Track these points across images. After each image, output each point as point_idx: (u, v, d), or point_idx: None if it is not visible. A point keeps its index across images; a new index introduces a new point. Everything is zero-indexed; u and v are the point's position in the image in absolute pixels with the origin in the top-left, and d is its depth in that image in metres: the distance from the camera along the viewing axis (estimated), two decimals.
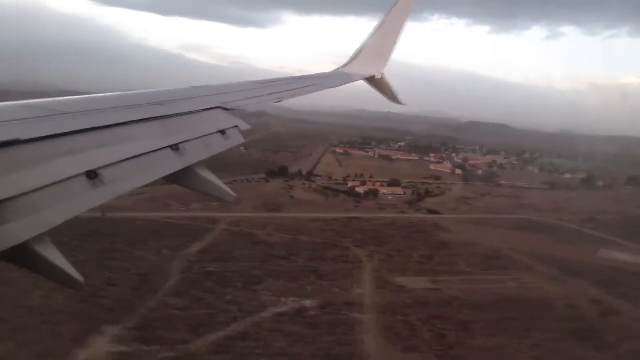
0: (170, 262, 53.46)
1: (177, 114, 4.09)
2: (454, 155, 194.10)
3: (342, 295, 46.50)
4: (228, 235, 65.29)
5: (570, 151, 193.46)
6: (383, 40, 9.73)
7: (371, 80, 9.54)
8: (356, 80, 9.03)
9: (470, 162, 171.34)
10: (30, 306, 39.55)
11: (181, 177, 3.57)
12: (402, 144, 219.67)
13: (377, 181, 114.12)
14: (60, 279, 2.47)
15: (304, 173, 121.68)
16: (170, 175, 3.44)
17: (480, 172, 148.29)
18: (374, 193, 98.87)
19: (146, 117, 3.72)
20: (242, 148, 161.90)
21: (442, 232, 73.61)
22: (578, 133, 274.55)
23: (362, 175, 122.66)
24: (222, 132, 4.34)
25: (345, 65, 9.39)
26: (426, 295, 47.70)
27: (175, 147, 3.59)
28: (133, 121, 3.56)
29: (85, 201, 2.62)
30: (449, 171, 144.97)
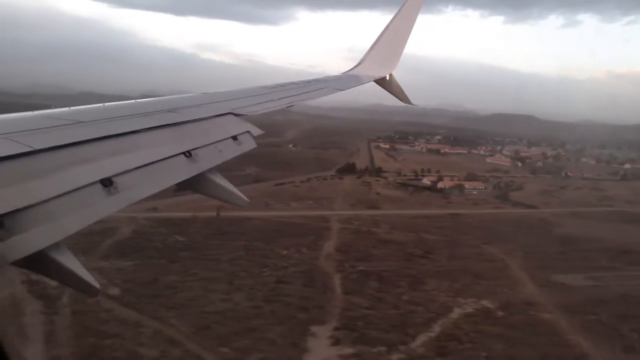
0: (316, 260, 53.70)
1: (189, 121, 4.17)
2: (498, 147, 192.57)
3: (513, 294, 46.33)
4: (350, 233, 65.20)
5: (616, 141, 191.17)
6: (392, 42, 9.77)
7: (381, 81, 9.58)
8: (366, 82, 9.07)
9: (521, 154, 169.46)
10: (220, 311, 39.90)
11: (195, 183, 3.63)
12: (439, 137, 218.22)
13: (451, 176, 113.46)
14: (78, 285, 2.50)
15: (371, 169, 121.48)
16: (184, 181, 3.49)
17: (539, 164, 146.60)
18: (458, 188, 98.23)
19: (159, 124, 3.79)
20: (290, 145, 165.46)
21: (554, 226, 73.16)
22: (601, 122, 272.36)
23: (429, 170, 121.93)
24: (234, 137, 4.39)
25: (355, 67, 9.44)
26: (594, 292, 47.42)
27: (188, 154, 3.64)
28: (146, 128, 3.62)
29: (100, 209, 2.68)
30: (507, 164, 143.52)
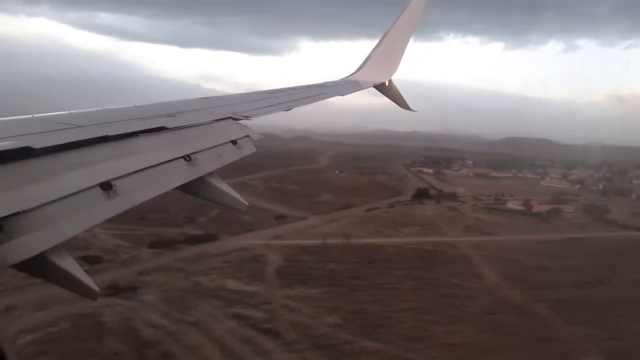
0: (497, 289, 51.58)
1: (188, 125, 4.17)
2: (540, 170, 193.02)
3: None
4: (495, 261, 62.96)
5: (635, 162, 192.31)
6: (391, 47, 9.72)
7: (380, 86, 9.51)
8: (365, 88, 8.98)
9: (570, 177, 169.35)
10: (464, 344, 37.65)
11: (194, 188, 3.60)
12: (470, 161, 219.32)
13: (533, 199, 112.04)
14: (78, 289, 2.49)
15: (444, 195, 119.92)
16: (184, 185, 3.47)
17: (600, 185, 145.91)
18: (555, 212, 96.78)
19: (158, 128, 3.78)
20: (337, 172, 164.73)
21: None
22: (612, 145, 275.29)
23: (502, 195, 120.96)
24: (234, 142, 4.38)
25: (354, 72, 9.30)
26: None
27: (187, 158, 3.64)
28: (146, 132, 3.60)
29: (99, 212, 2.65)
30: (565, 187, 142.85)
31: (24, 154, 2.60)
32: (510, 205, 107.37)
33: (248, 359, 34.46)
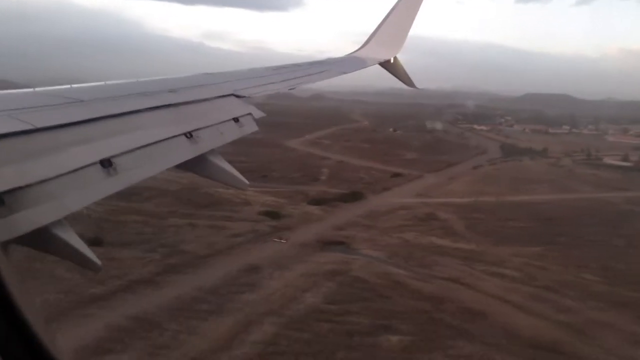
0: None
1: (190, 101, 4.14)
2: (589, 126, 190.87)
3: None
4: None
5: None
6: (397, 24, 9.63)
7: (385, 64, 9.42)
8: (370, 65, 8.95)
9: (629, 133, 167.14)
10: None
11: (195, 165, 3.59)
12: (508, 118, 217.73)
13: (619, 155, 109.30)
14: (81, 262, 2.54)
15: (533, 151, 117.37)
16: (185, 162, 3.45)
17: None
18: None
19: (160, 104, 3.76)
20: (390, 130, 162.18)
21: None
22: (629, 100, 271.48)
23: (582, 151, 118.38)
24: (236, 119, 4.36)
25: (359, 49, 9.25)
26: None
27: (189, 135, 3.60)
28: (147, 109, 3.58)
29: (99, 189, 2.68)
30: (636, 142, 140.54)
31: (26, 128, 2.56)
32: (609, 161, 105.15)
33: (554, 315, 32.71)
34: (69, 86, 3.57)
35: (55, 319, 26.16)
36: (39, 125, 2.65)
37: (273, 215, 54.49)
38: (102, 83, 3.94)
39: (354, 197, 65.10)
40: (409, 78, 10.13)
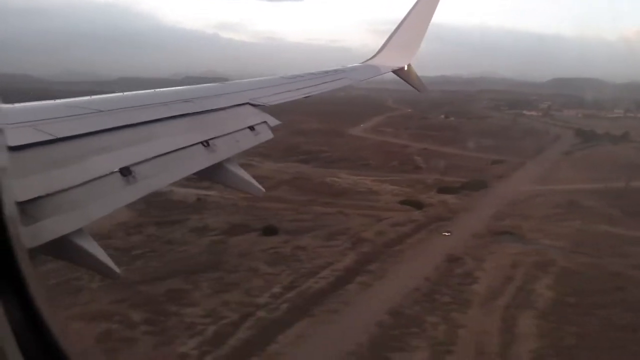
0: None
1: (207, 111, 4.27)
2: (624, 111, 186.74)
3: None
4: None
5: None
6: (410, 32, 9.72)
7: (399, 71, 9.51)
8: (384, 73, 9.19)
9: None
10: None
11: (212, 173, 3.71)
12: (549, 103, 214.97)
13: None
14: (100, 270, 2.60)
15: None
16: (202, 170, 3.56)
17: None
18: None
19: (177, 114, 3.86)
20: (442, 117, 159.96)
21: None
22: None
23: None
24: (252, 128, 4.47)
25: (373, 57, 9.46)
26: None
27: (206, 144, 3.69)
28: (165, 118, 3.68)
29: (119, 198, 2.72)
30: None
31: (47, 139, 2.61)
32: None
33: None
34: (88, 97, 3.60)
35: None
36: (60, 135, 2.69)
37: (415, 204, 52.73)
38: (121, 94, 3.96)
39: (479, 185, 63.12)
40: (422, 84, 10.37)
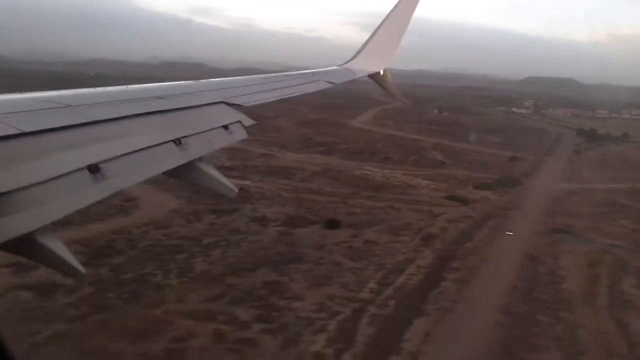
0: None
1: (179, 108, 4.11)
2: (623, 110, 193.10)
3: None
4: None
5: None
6: (387, 37, 9.73)
7: (375, 75, 9.57)
8: (360, 76, 9.10)
9: None
10: None
11: (183, 172, 3.55)
12: (531, 101, 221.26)
13: None
14: (64, 269, 2.50)
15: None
16: (173, 169, 3.42)
17: None
18: None
19: (149, 110, 3.71)
20: (435, 111, 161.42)
21: None
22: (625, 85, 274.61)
23: None
24: (225, 127, 4.33)
25: (349, 60, 9.41)
26: None
27: (177, 142, 3.56)
28: (135, 115, 3.54)
29: (86, 195, 2.62)
30: None
31: (13, 133, 2.55)
32: None
33: None
34: (56, 92, 3.51)
35: None
36: (26, 129, 2.61)
37: (460, 200, 52.34)
38: (90, 89, 3.87)
39: (513, 182, 63.39)
40: (398, 91, 10.48)
